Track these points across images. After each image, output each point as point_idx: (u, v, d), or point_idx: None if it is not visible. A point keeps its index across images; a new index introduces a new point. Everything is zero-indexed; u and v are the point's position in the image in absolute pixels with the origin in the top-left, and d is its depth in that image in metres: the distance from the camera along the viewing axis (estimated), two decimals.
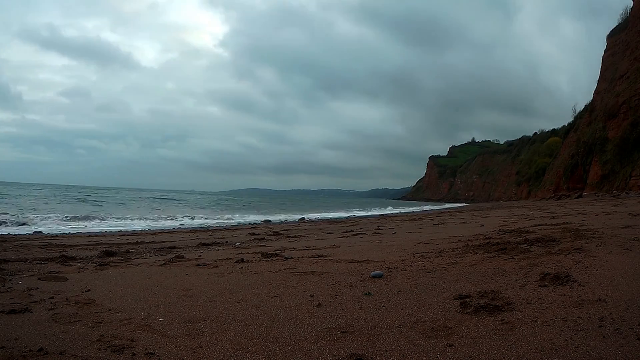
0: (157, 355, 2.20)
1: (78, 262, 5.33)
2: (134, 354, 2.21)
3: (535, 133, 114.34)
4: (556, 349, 2.07)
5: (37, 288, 3.68)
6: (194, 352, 2.25)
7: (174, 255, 5.70)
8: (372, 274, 3.86)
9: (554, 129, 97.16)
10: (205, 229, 12.60)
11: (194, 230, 12.28)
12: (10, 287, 3.71)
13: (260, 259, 5.17)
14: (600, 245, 4.53)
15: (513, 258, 4.19)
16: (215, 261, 5.10)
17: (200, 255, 5.78)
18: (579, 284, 3.07)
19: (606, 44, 60.97)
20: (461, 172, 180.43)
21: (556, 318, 2.46)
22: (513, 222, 9.69)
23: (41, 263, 5.17)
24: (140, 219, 18.03)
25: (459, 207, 45.03)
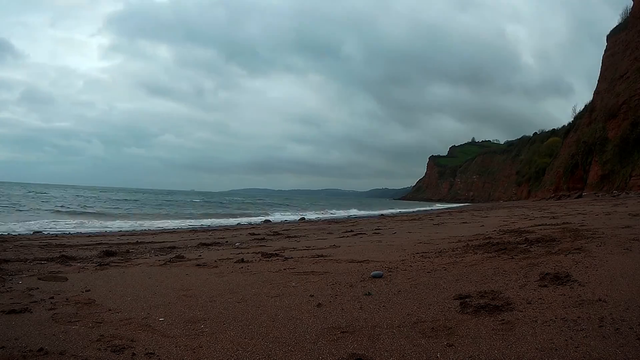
0: (157, 355, 2.20)
1: (78, 262, 5.33)
2: (134, 354, 2.21)
3: (535, 133, 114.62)
4: (556, 349, 2.07)
5: (37, 288, 3.67)
6: (194, 352, 2.25)
7: (174, 255, 5.70)
8: (372, 274, 3.87)
9: (553, 129, 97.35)
10: (205, 229, 12.61)
11: (194, 230, 12.29)
12: (10, 287, 3.71)
13: (260, 259, 5.17)
14: (600, 245, 4.53)
15: (513, 258, 4.19)
16: (215, 261, 5.10)
17: (200, 255, 5.78)
18: (579, 284, 3.07)
19: (606, 44, 60.94)
20: (461, 172, 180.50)
21: (556, 318, 2.46)
22: (513, 222, 9.69)
23: (41, 263, 5.17)
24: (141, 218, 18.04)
25: (459, 207, 45.03)
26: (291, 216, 24.01)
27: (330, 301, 3.10)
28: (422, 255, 4.85)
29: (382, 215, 23.73)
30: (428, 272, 3.88)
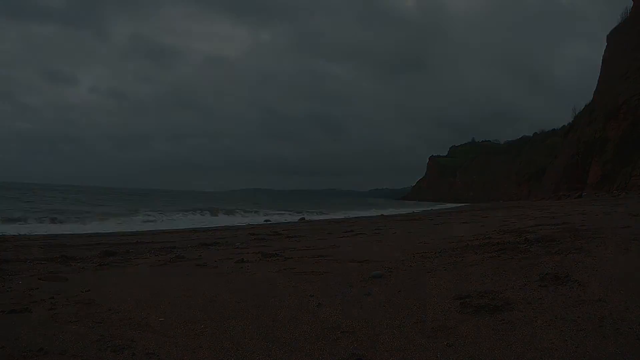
0: (157, 355, 2.20)
1: (78, 262, 5.32)
2: (134, 354, 2.21)
3: (536, 133, 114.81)
4: (556, 349, 2.07)
5: (37, 288, 3.67)
6: (194, 352, 2.25)
7: (174, 255, 5.70)
8: (372, 274, 3.86)
9: (554, 129, 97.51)
10: (205, 229, 12.60)
11: (194, 230, 12.28)
12: (10, 287, 3.72)
13: (260, 259, 5.17)
14: (600, 245, 4.53)
15: (513, 258, 4.19)
16: (215, 261, 5.11)
17: (200, 255, 5.78)
18: (579, 284, 3.07)
19: (606, 44, 60.95)
20: (461, 172, 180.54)
21: (556, 318, 2.46)
22: (513, 222, 9.68)
23: (41, 263, 5.16)
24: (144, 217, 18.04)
25: (459, 207, 45.03)
26: (291, 216, 23.99)
27: (330, 301, 3.10)
28: (422, 255, 4.84)
29: (382, 215, 23.72)
30: (428, 272, 3.88)
